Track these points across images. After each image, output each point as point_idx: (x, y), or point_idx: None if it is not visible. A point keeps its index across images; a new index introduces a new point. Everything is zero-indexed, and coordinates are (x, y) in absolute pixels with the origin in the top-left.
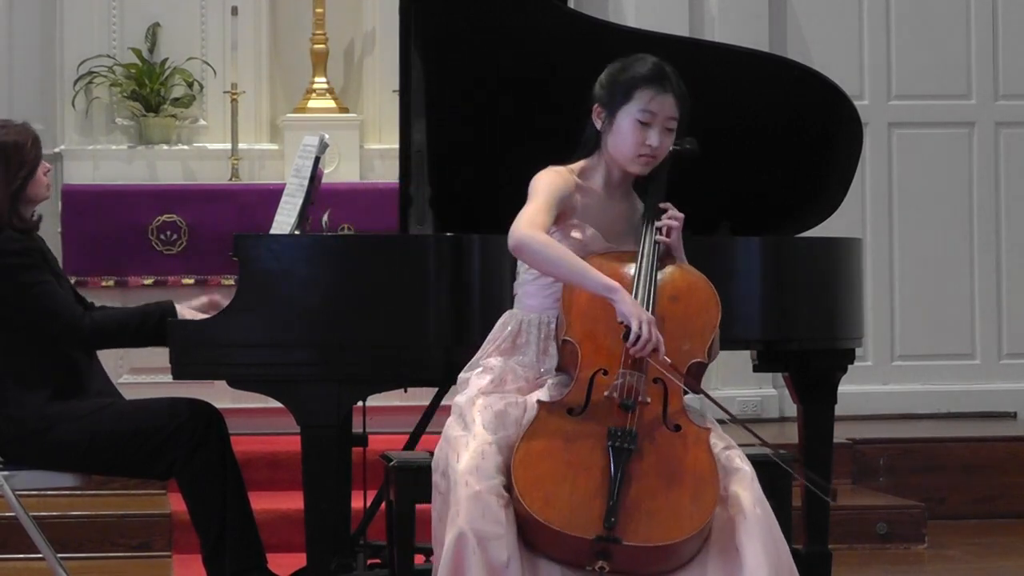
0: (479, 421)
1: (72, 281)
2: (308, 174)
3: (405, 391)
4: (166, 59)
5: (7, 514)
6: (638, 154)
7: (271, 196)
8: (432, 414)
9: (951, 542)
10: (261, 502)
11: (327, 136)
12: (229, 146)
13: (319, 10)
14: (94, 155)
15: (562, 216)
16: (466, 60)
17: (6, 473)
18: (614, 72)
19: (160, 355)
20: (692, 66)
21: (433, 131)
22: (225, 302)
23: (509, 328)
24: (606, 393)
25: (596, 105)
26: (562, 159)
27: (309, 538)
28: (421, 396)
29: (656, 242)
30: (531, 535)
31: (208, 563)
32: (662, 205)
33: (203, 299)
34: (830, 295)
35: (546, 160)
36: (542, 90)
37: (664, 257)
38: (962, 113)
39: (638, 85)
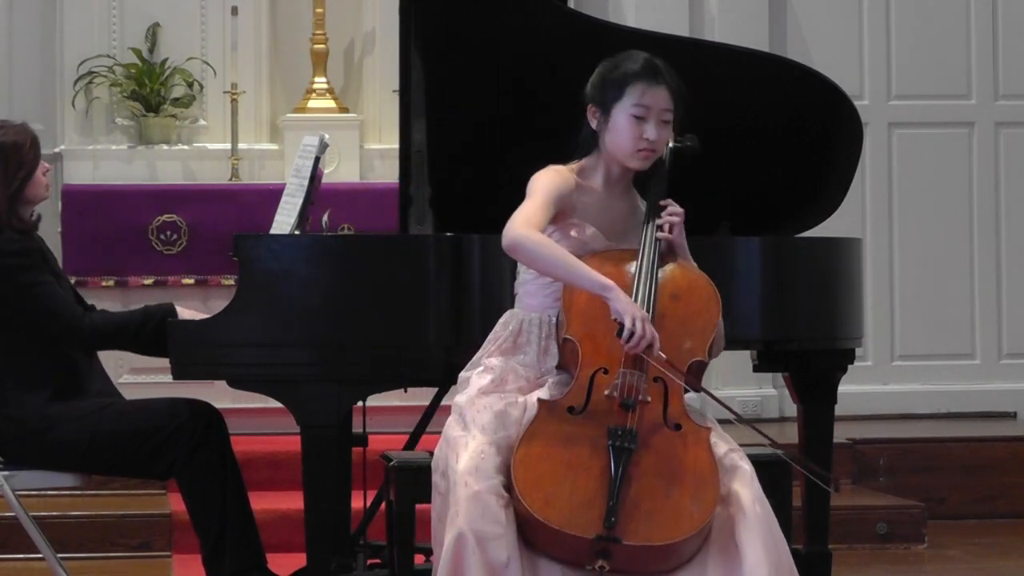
0: (479, 421)
1: (72, 281)
2: (308, 174)
3: (405, 391)
4: (166, 59)
5: (7, 514)
6: (637, 149)
7: (271, 196)
8: (432, 414)
9: (951, 542)
10: (261, 502)
11: (327, 136)
12: (229, 146)
13: (319, 10)
14: (94, 155)
15: (561, 215)
16: (466, 60)
17: (6, 473)
18: (605, 71)
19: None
20: (692, 66)
21: (433, 131)
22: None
23: (511, 327)
24: (606, 392)
25: (590, 105)
26: (562, 159)
27: (309, 538)
28: (421, 396)
29: (657, 240)
30: (531, 534)
31: (208, 563)
32: (662, 202)
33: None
34: (830, 295)
35: (546, 160)
36: (542, 90)
37: (665, 255)
38: (962, 113)
39: (629, 80)
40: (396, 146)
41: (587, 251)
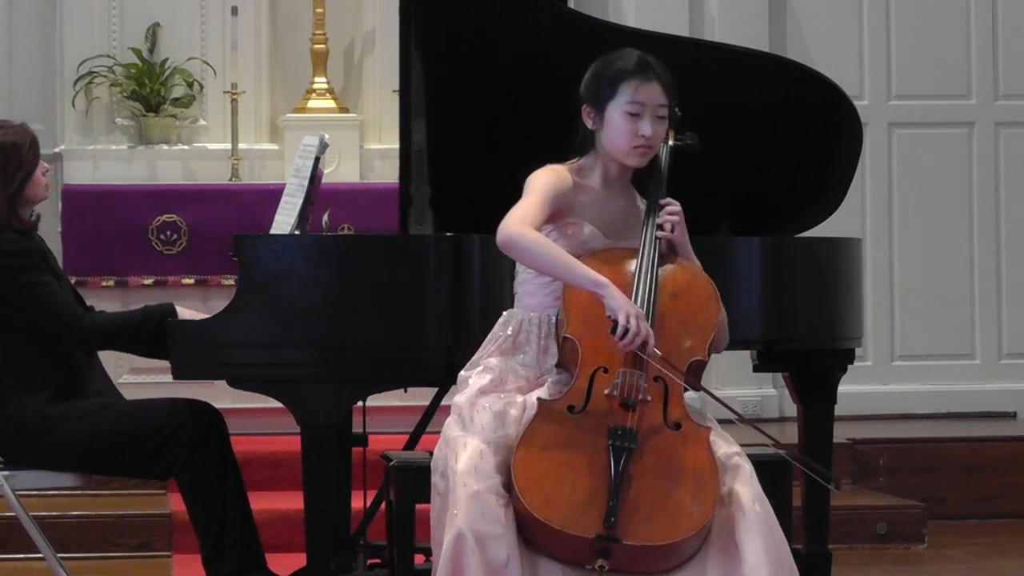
0: (478, 421)
1: (72, 281)
2: (308, 174)
3: (405, 391)
4: (166, 59)
5: (7, 514)
6: (633, 146)
7: (271, 196)
8: (432, 414)
9: (951, 542)
10: (261, 502)
11: (327, 136)
12: (229, 146)
13: (319, 10)
14: (94, 155)
15: (559, 214)
16: (466, 60)
17: (6, 473)
18: (597, 70)
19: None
20: (692, 66)
21: (433, 131)
22: None
23: (510, 327)
24: (606, 391)
25: (584, 105)
26: (562, 159)
27: (309, 538)
28: (421, 396)
29: (657, 238)
30: (531, 534)
31: (208, 563)
32: (662, 201)
33: None
34: (830, 295)
35: (547, 160)
36: (542, 90)
37: (665, 254)
38: (962, 113)
39: (622, 78)
40: (396, 146)
41: (586, 250)
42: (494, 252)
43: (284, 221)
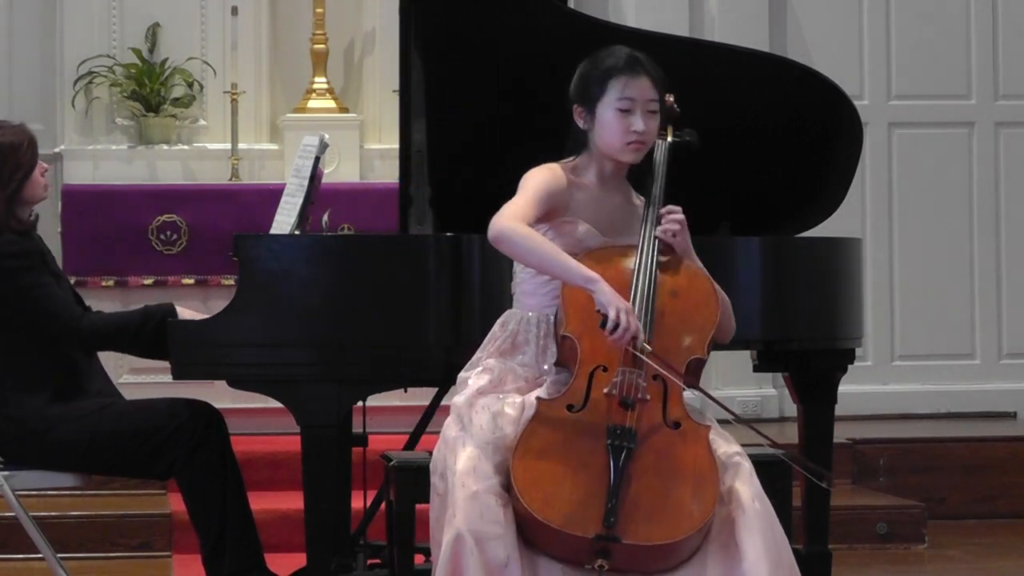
0: (476, 422)
1: (72, 281)
2: (308, 174)
3: (405, 391)
4: (166, 59)
5: (7, 514)
6: (627, 142)
7: (271, 196)
8: (432, 414)
9: (951, 542)
10: (261, 502)
11: (327, 136)
12: (229, 146)
13: (319, 10)
14: (94, 155)
15: (554, 213)
16: (466, 60)
17: (6, 473)
18: (585, 70)
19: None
20: (692, 66)
21: (433, 131)
22: None
23: (509, 328)
24: (605, 390)
25: (575, 106)
26: (561, 159)
27: (309, 538)
28: (421, 396)
29: (656, 237)
30: (530, 534)
31: (208, 563)
32: (663, 209)
33: None
34: (830, 295)
35: (546, 160)
36: (542, 90)
37: (665, 252)
38: (962, 113)
39: (611, 75)
40: (396, 146)
41: (582, 248)
42: (494, 252)
43: (284, 221)
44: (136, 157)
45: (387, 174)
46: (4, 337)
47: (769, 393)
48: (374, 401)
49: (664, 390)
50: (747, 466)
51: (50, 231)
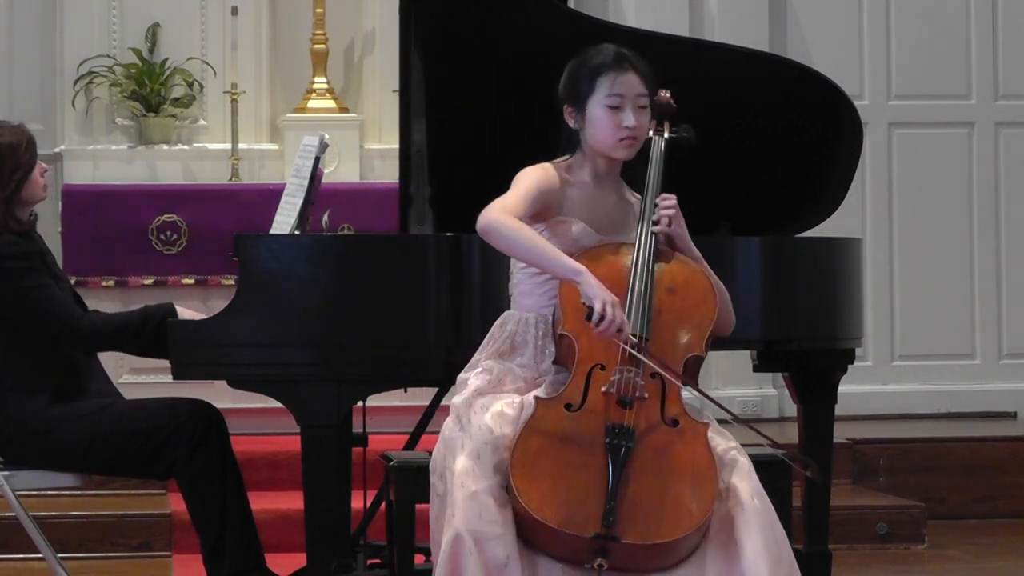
0: (475, 422)
1: (72, 281)
2: (308, 174)
3: (405, 391)
4: (166, 59)
5: (7, 514)
6: (619, 138)
7: (271, 196)
8: (432, 414)
9: (951, 542)
10: (261, 502)
11: (327, 136)
12: (229, 146)
13: (319, 10)
14: (94, 155)
15: (547, 212)
16: (466, 60)
17: (6, 473)
18: (572, 69)
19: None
20: (692, 66)
21: (433, 131)
22: None
23: (507, 329)
24: (603, 389)
25: (565, 106)
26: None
27: (309, 538)
28: (421, 396)
29: (653, 234)
30: (529, 534)
31: (208, 563)
32: (658, 199)
33: None
34: (830, 295)
35: (546, 160)
36: (542, 90)
37: (663, 248)
38: (962, 113)
39: (599, 73)
40: (396, 146)
41: (578, 248)
42: (494, 252)
43: (284, 221)
44: (136, 157)
45: (387, 174)
46: (4, 337)
47: (769, 393)
48: (374, 401)
49: (662, 388)
50: (745, 462)
51: (50, 231)
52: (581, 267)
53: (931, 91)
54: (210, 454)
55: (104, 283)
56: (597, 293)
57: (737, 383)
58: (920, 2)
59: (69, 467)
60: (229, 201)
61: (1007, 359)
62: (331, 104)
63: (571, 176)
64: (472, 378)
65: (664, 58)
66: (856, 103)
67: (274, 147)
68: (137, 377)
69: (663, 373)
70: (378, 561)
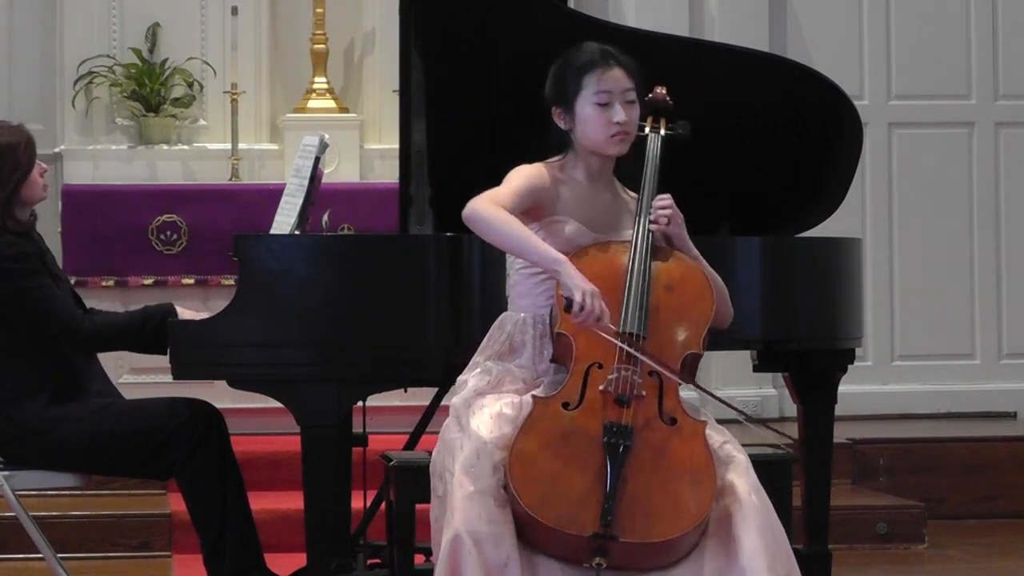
0: (475, 422)
1: (72, 281)
2: (308, 174)
3: (405, 391)
4: (166, 59)
5: (7, 514)
6: (610, 134)
7: (271, 196)
8: (432, 414)
9: (951, 542)
10: (261, 502)
11: (327, 136)
12: (229, 146)
13: (319, 10)
14: (94, 155)
15: (540, 210)
16: (466, 60)
17: (6, 473)
18: (557, 70)
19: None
20: (692, 66)
21: (433, 131)
22: None
23: (506, 330)
24: (601, 387)
25: (553, 107)
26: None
27: (309, 538)
28: (421, 396)
29: (650, 231)
30: (528, 533)
31: (208, 563)
32: (655, 199)
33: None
34: (830, 295)
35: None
36: (542, 90)
37: (660, 247)
38: (962, 113)
39: (584, 71)
40: (396, 146)
41: (573, 247)
42: (494, 252)
43: (284, 221)
44: (136, 157)
45: (387, 174)
46: (4, 338)
47: (769, 393)
48: (374, 401)
49: (660, 386)
50: (743, 458)
51: (50, 231)
52: (561, 257)
53: (931, 91)
54: (210, 454)
55: (104, 283)
56: (577, 283)
57: (737, 383)
58: (920, 2)
59: (69, 467)
60: (229, 201)
61: (1007, 359)
62: (331, 104)
63: (564, 175)
64: (471, 379)
65: (664, 58)
66: (856, 103)
67: (274, 147)
68: (137, 377)
69: (661, 371)
70: (378, 561)
